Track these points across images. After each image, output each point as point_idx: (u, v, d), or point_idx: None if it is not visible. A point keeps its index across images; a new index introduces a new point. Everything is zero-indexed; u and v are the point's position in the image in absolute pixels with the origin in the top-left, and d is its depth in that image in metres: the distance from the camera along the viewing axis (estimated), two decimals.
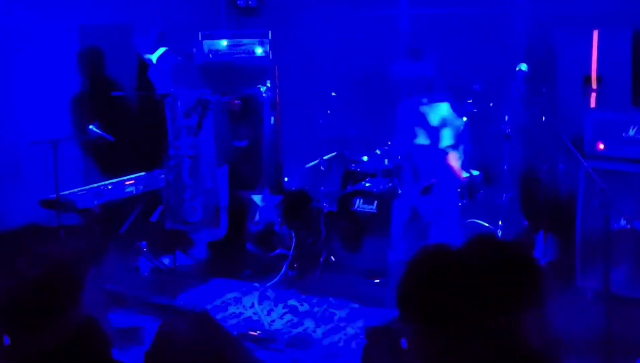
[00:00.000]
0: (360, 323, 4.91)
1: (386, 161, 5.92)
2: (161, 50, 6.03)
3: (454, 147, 4.90)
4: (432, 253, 1.22)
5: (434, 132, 4.93)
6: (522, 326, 1.12)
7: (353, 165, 6.24)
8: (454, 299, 1.13)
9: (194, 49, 6.58)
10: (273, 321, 4.97)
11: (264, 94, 5.81)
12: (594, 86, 5.87)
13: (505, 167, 5.78)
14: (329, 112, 6.10)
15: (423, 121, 4.91)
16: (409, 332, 1.18)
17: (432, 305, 1.15)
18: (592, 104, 5.87)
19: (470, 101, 5.76)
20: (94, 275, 1.60)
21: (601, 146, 5.12)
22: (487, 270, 1.15)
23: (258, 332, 4.71)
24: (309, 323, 4.93)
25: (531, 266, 1.18)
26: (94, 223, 5.43)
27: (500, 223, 5.68)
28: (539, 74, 5.51)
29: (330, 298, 5.28)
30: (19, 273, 1.48)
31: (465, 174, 5.02)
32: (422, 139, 4.89)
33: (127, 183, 5.72)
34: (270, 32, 6.60)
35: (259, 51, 6.57)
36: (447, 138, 4.91)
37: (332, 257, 5.76)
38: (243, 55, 6.59)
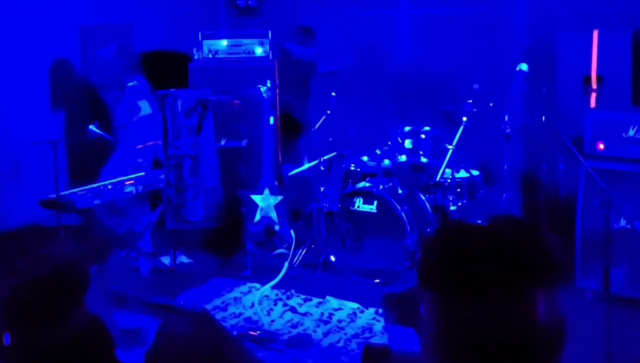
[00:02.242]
0: (360, 323, 4.92)
1: (386, 161, 5.92)
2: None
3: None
4: (455, 228, 1.27)
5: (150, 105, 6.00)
6: (535, 304, 1.17)
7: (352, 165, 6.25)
8: (473, 272, 1.18)
9: (194, 49, 6.58)
10: (273, 321, 4.97)
11: (264, 94, 5.80)
12: (594, 86, 5.87)
13: (505, 167, 5.78)
14: (328, 112, 6.09)
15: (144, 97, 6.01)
16: (427, 299, 1.23)
17: (451, 277, 1.19)
18: (592, 104, 5.87)
19: (470, 101, 5.76)
20: (97, 274, 1.60)
21: (601, 146, 5.12)
22: (506, 247, 1.20)
23: (258, 332, 4.71)
24: (309, 323, 4.94)
25: (547, 248, 1.24)
26: (94, 223, 5.44)
27: None
28: (539, 74, 5.51)
29: (330, 298, 5.29)
30: (20, 273, 1.49)
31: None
32: (146, 110, 5.99)
33: (127, 183, 5.72)
34: (270, 32, 6.60)
35: (259, 51, 6.57)
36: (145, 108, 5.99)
37: (332, 257, 5.77)
38: (243, 55, 6.59)
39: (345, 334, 4.76)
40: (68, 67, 6.24)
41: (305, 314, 5.09)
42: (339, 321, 4.97)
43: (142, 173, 5.91)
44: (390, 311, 1.59)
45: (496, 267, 1.17)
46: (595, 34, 5.83)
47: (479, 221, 1.27)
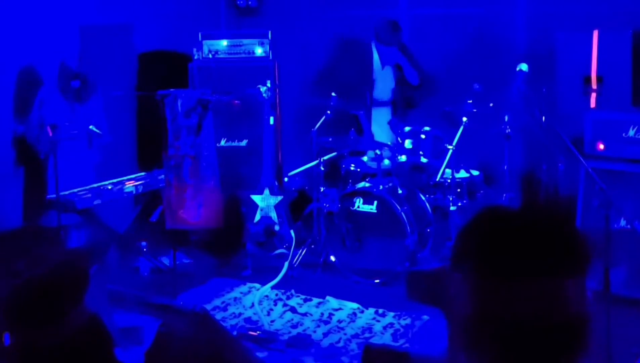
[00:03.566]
0: (360, 323, 4.92)
1: (386, 160, 5.92)
2: None
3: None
4: (492, 212, 1.28)
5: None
6: (569, 290, 1.21)
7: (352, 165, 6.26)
8: (509, 256, 1.19)
9: (194, 49, 6.58)
10: (273, 321, 4.97)
11: (264, 94, 5.80)
12: (594, 86, 5.87)
13: (505, 167, 5.78)
14: (328, 112, 6.09)
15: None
16: (459, 281, 1.23)
17: (487, 260, 1.20)
18: (592, 104, 5.87)
19: (470, 101, 5.76)
20: (96, 274, 1.60)
21: (601, 146, 5.12)
22: (543, 233, 1.21)
23: (258, 332, 4.71)
24: (309, 323, 4.94)
25: (583, 237, 1.26)
26: (94, 223, 5.44)
27: None
28: (539, 74, 5.51)
29: (330, 298, 5.29)
30: (20, 273, 1.49)
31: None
32: None
33: (127, 183, 5.73)
34: (270, 32, 6.60)
35: (259, 51, 6.57)
36: None
37: (332, 257, 5.76)
38: (243, 55, 6.59)
39: (345, 334, 4.76)
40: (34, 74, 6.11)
41: (305, 314, 5.09)
42: (339, 321, 4.97)
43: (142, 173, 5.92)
44: (415, 290, 1.60)
45: (532, 252, 1.18)
46: (595, 34, 5.83)
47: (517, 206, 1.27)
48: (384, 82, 6.75)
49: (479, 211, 1.28)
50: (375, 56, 6.70)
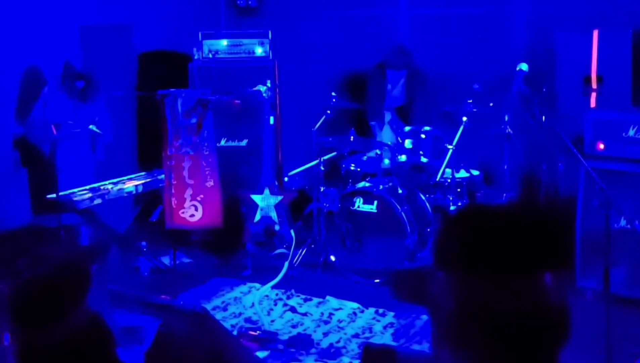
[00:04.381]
0: (360, 323, 4.92)
1: (386, 160, 5.92)
2: None
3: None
4: (475, 209, 1.29)
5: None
6: (549, 286, 1.19)
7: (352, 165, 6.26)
8: (492, 253, 1.19)
9: (194, 49, 6.58)
10: (273, 321, 4.97)
11: (264, 94, 5.81)
12: (594, 86, 5.87)
13: (505, 167, 5.78)
14: (328, 112, 6.09)
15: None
16: (442, 279, 1.23)
17: (470, 257, 1.20)
18: (592, 104, 5.87)
19: (470, 101, 5.76)
20: (97, 273, 1.60)
21: (601, 146, 5.12)
22: (525, 230, 1.21)
23: (258, 332, 4.71)
24: (309, 323, 4.94)
25: (565, 232, 1.25)
26: (94, 222, 5.44)
27: None
28: (539, 74, 5.52)
29: (330, 298, 5.29)
30: (20, 273, 1.49)
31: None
32: None
33: (128, 183, 5.73)
34: (270, 32, 6.60)
35: (259, 51, 6.57)
36: None
37: (332, 257, 5.77)
38: (243, 55, 6.59)
39: (345, 334, 4.76)
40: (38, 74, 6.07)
41: (305, 314, 5.09)
42: (339, 321, 4.97)
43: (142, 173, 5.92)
44: (399, 289, 1.60)
45: (512, 249, 1.18)
46: (595, 34, 5.84)
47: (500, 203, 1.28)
48: (394, 99, 6.78)
49: (460, 209, 1.29)
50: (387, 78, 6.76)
